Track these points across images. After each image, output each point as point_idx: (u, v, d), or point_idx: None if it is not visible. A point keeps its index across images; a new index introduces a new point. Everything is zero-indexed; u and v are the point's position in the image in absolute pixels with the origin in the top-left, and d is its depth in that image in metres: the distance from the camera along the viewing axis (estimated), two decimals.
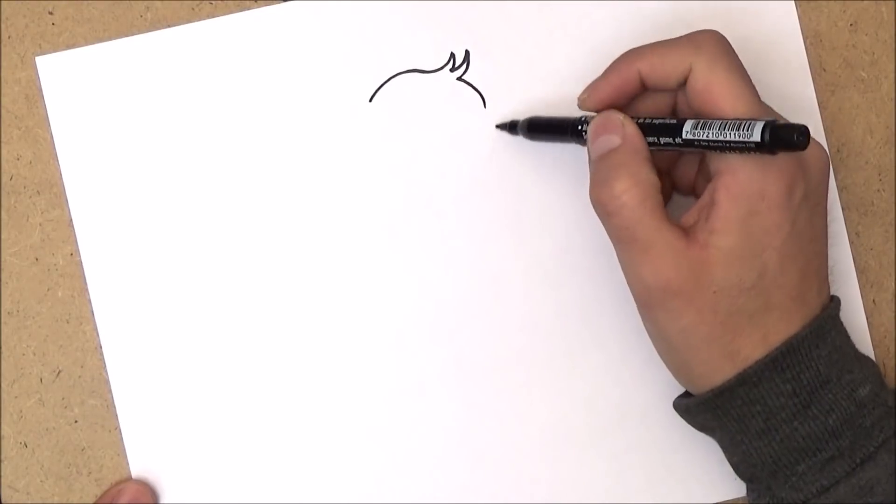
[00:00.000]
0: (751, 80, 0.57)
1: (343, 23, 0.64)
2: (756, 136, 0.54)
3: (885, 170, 0.65)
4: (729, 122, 0.55)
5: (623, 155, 0.57)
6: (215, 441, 0.63)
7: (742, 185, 0.55)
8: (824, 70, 0.65)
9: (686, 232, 0.57)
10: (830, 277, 0.60)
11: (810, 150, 0.56)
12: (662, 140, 0.57)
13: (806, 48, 0.65)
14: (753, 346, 0.56)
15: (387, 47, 0.64)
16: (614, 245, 0.58)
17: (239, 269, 0.63)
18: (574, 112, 0.61)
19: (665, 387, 0.62)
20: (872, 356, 0.65)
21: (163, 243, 0.63)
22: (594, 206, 0.58)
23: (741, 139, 0.54)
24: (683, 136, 0.56)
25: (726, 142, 0.55)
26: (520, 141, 0.63)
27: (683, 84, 0.58)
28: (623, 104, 0.59)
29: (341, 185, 0.64)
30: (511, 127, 0.63)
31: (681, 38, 0.59)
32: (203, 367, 0.63)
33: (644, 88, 0.59)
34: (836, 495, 0.56)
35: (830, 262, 0.60)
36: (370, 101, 0.64)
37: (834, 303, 0.59)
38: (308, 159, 0.64)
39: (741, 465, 0.59)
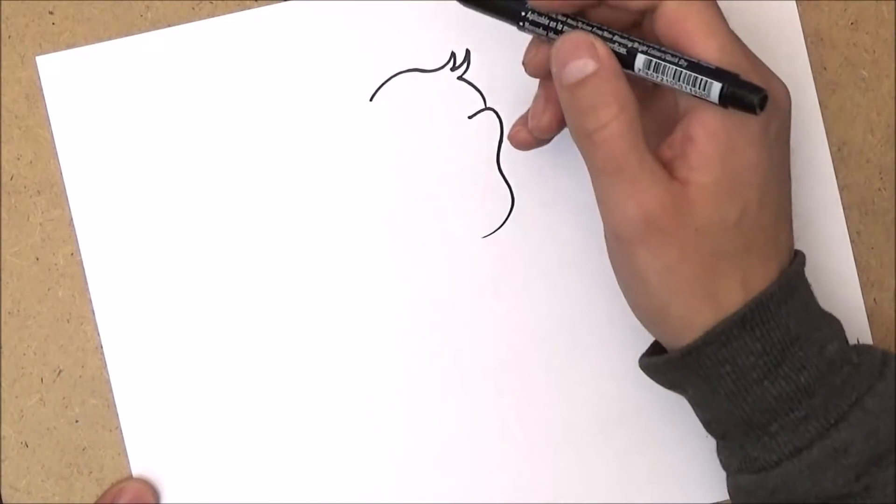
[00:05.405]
0: (722, 15, 0.54)
1: (343, 23, 0.64)
2: (713, 95, 0.51)
3: (885, 169, 0.65)
4: (683, 72, 0.52)
5: (603, 80, 0.53)
6: (216, 441, 0.63)
7: (721, 120, 0.53)
8: (825, 69, 0.65)
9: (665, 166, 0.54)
10: (830, 277, 0.60)
11: (776, 86, 0.55)
12: None
13: (807, 47, 0.65)
14: (732, 290, 0.54)
15: (387, 47, 0.64)
16: (595, 178, 0.54)
17: (240, 268, 0.63)
18: None
19: None
20: None
21: (163, 243, 0.63)
22: (577, 139, 0.54)
23: (697, 88, 0.52)
24: (635, 70, 0.53)
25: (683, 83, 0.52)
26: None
27: (649, 10, 0.54)
28: (575, 10, 0.55)
29: (342, 185, 0.64)
30: None
31: None
32: (204, 366, 0.63)
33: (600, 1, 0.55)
34: (810, 458, 0.54)
35: (831, 261, 0.60)
36: (370, 100, 0.64)
37: (799, 257, 0.57)
38: (308, 159, 0.64)
39: (712, 422, 0.57)
